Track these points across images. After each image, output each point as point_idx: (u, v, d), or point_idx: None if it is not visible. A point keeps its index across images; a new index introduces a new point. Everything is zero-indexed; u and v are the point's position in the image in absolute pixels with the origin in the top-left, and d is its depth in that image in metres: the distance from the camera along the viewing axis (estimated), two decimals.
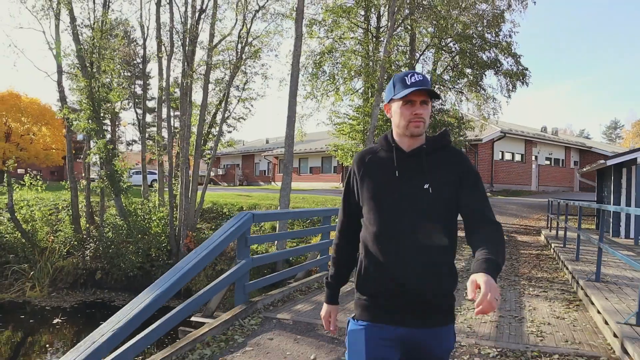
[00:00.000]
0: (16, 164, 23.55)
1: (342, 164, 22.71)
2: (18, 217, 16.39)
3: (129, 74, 30.89)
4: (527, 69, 19.51)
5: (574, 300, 6.53)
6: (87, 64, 15.78)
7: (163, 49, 16.42)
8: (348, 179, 2.13)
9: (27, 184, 17.75)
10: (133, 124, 41.62)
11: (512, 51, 19.34)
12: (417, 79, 1.89)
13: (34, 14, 15.59)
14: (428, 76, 19.64)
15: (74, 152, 38.86)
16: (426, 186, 1.88)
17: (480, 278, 1.54)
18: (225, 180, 42.49)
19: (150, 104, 37.06)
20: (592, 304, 5.62)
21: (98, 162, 16.69)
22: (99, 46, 15.84)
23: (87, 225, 17.12)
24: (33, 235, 16.21)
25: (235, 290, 5.58)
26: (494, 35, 19.36)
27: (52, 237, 16.67)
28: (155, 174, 23.31)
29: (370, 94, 17.26)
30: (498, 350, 4.37)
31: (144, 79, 20.52)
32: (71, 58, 16.47)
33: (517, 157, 29.88)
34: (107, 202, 17.69)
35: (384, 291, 1.91)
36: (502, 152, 28.66)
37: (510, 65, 19.64)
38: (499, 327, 5.06)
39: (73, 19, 15.51)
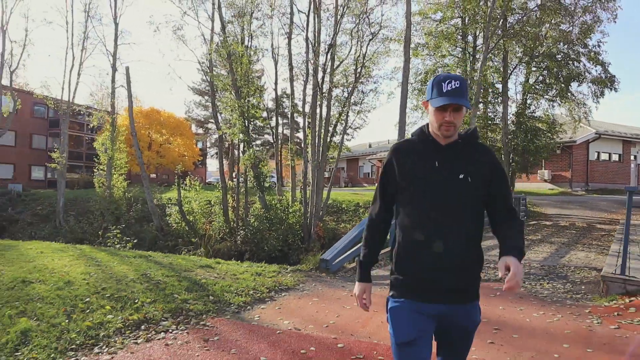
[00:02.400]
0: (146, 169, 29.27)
1: None
2: (184, 210, 21.55)
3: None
4: (614, 76, 21.94)
5: (605, 252, 9.90)
6: (239, 90, 20.56)
7: (300, 75, 20.88)
8: (385, 167, 2.32)
9: (188, 185, 22.97)
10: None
11: (601, 60, 21.92)
12: (453, 87, 2.09)
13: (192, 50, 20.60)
14: (519, 87, 22.68)
15: (200, 158, 44.97)
16: (461, 176, 2.13)
17: (510, 260, 1.94)
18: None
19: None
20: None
21: (249, 167, 21.32)
22: (247, 75, 20.57)
23: (234, 217, 21.89)
24: (194, 224, 21.19)
25: (390, 232, 9.81)
26: (582, 46, 22.03)
27: (208, 226, 21.62)
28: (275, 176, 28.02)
29: (473, 102, 20.57)
30: (539, 264, 8.08)
31: (276, 97, 25.18)
32: (227, 85, 21.36)
33: (615, 157, 31.35)
34: (251, 198, 22.39)
35: (422, 271, 2.14)
36: (598, 153, 30.41)
37: (599, 73, 22.19)
38: (545, 259, 8.77)
39: (229, 55, 20.35)
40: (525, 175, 22.77)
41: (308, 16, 20.04)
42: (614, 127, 33.32)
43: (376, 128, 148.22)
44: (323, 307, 6.20)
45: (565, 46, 21.38)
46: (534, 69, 21.87)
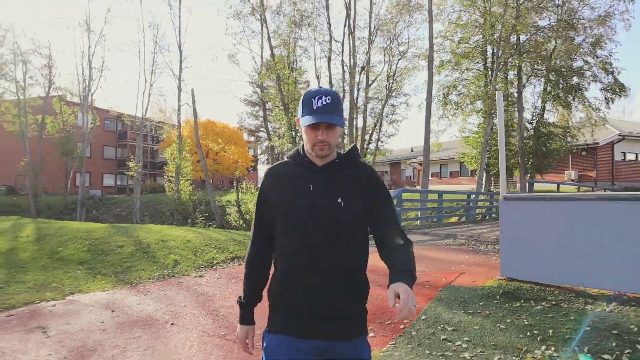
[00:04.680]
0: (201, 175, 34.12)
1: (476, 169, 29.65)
2: (242, 210, 26.03)
3: None
4: (623, 85, 25.01)
5: None
6: (286, 105, 24.86)
7: (339, 91, 25.03)
8: (260, 193, 2.14)
9: (244, 188, 27.48)
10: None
11: (611, 70, 25.06)
12: (324, 103, 1.92)
13: (246, 72, 25.08)
14: (531, 96, 25.94)
15: (252, 164, 49.60)
16: (339, 200, 1.95)
17: (399, 287, 1.66)
18: None
19: None
20: None
21: None
22: (293, 93, 24.84)
23: None
24: (250, 222, 25.58)
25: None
26: (593, 57, 25.22)
27: None
28: None
29: (487, 113, 24.16)
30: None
31: None
32: (276, 102, 25.71)
33: None
34: None
35: (299, 304, 1.95)
36: (624, 153, 33.02)
37: (609, 81, 25.31)
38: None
39: (278, 77, 24.68)
40: (540, 175, 26.03)
41: (343, 44, 24.20)
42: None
43: (420, 132, 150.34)
44: None
45: (574, 58, 24.57)
46: (541, 80, 25.26)
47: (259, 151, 55.75)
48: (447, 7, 24.52)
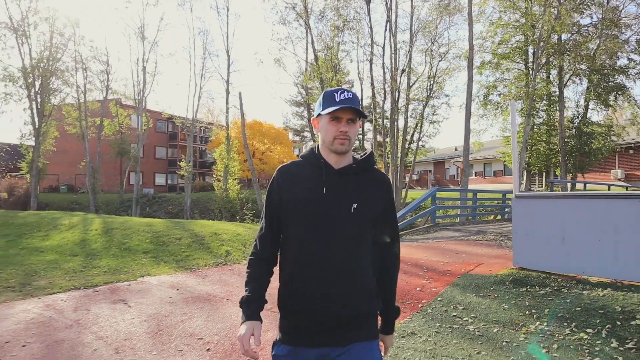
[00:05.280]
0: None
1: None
2: None
3: None
4: None
5: None
6: None
7: (381, 91, 25.96)
8: (270, 191, 2.10)
9: None
10: None
11: None
12: (346, 97, 1.94)
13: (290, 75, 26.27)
14: (578, 95, 26.06)
15: None
16: (354, 205, 1.94)
17: (387, 341, 2.19)
18: (419, 184, 51.40)
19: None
20: None
21: None
22: None
23: None
24: None
25: (432, 216, 14.51)
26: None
27: None
28: None
29: (526, 113, 24.55)
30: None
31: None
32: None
33: None
34: None
35: (310, 311, 1.92)
36: None
37: None
38: None
39: (321, 80, 25.77)
40: (582, 174, 26.19)
41: (383, 47, 25.07)
42: None
43: (463, 131, 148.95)
44: None
45: (618, 56, 24.64)
46: (583, 79, 25.46)
47: (303, 150, 57.12)
48: (487, 9, 25.06)
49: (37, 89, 29.25)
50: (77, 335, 4.96)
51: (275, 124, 50.53)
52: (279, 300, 2.05)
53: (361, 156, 2.09)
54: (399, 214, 14.06)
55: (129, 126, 35.90)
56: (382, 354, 1.97)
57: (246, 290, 2.05)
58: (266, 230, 2.09)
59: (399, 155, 25.13)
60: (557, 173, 27.11)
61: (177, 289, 7.11)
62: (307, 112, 29.06)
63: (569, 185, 23.95)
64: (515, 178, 7.59)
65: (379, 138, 35.64)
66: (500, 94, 26.10)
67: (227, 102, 31.19)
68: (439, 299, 6.46)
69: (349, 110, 1.94)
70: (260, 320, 1.98)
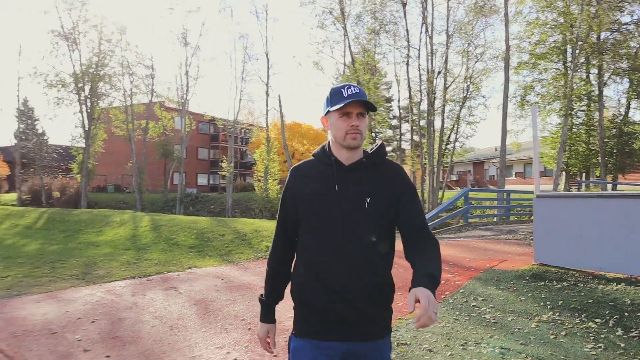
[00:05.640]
0: None
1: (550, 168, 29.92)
2: None
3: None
4: None
5: None
6: None
7: (418, 93, 26.38)
8: (283, 193, 2.14)
9: None
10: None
11: None
12: (353, 91, 1.95)
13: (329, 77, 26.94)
14: (619, 96, 25.91)
15: None
16: (367, 199, 1.95)
17: (420, 292, 1.64)
18: (458, 185, 51.30)
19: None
20: None
21: None
22: (375, 98, 26.42)
23: None
24: None
25: (464, 215, 14.93)
26: None
27: None
28: None
29: (564, 113, 24.50)
30: None
31: (399, 115, 30.85)
32: None
33: None
34: None
35: (324, 306, 1.94)
36: None
37: None
38: None
39: (358, 83, 26.35)
40: (622, 175, 25.95)
41: (419, 49, 25.45)
42: None
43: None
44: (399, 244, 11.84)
45: None
46: (624, 78, 25.25)
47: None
48: (524, 9, 25.13)
49: (86, 94, 30.82)
50: (136, 315, 5.73)
51: (314, 125, 51.32)
52: (293, 294, 2.09)
53: (371, 149, 2.09)
54: (431, 214, 14.54)
55: (173, 128, 37.19)
56: (414, 307, 1.66)
57: (264, 291, 2.22)
58: (281, 231, 2.15)
59: (436, 156, 25.48)
60: (597, 174, 26.95)
61: (222, 279, 7.85)
62: None
63: (609, 186, 23.84)
64: (536, 179, 8.02)
65: (417, 139, 36.03)
66: (537, 94, 26.13)
67: (266, 105, 32.15)
68: (460, 290, 6.99)
69: (358, 104, 1.95)
70: (275, 320, 2.21)
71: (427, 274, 1.79)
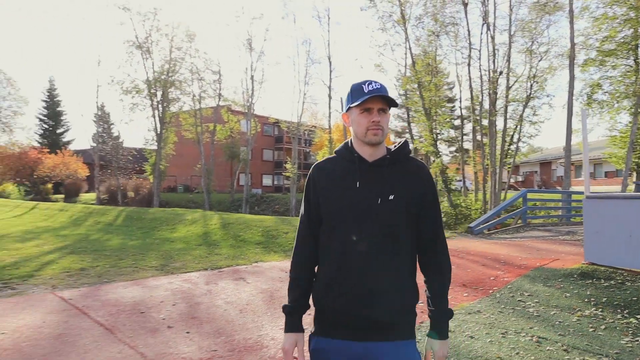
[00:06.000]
0: None
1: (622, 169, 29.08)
2: None
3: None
4: None
5: None
6: (427, 111, 26.75)
7: (475, 96, 26.39)
8: (307, 190, 2.10)
9: None
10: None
11: None
12: (375, 87, 1.93)
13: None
14: None
15: None
16: (391, 197, 1.92)
17: (434, 345, 1.99)
18: (524, 185, 50.28)
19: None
20: None
21: (437, 173, 27.31)
22: (434, 98, 26.64)
23: None
24: None
25: (522, 216, 15.06)
26: None
27: None
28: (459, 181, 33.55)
29: (634, 112, 23.84)
30: None
31: (461, 117, 30.87)
32: (417, 107, 27.75)
33: None
34: (441, 199, 28.32)
35: (344, 306, 1.91)
36: None
37: None
38: None
39: (419, 84, 26.66)
40: None
41: (480, 50, 25.44)
42: None
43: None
44: (457, 242, 12.15)
45: None
46: None
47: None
48: (591, 4, 24.63)
49: (158, 99, 32.66)
50: (210, 300, 6.52)
51: None
52: (314, 293, 2.04)
53: (395, 146, 2.06)
54: (488, 214, 14.76)
55: (239, 131, 38.59)
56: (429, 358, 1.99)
57: (289, 299, 2.08)
58: (304, 230, 2.09)
59: (498, 156, 25.40)
60: None
61: (285, 272, 8.57)
62: (407, 114, 29.93)
63: None
64: (585, 180, 8.26)
65: (479, 139, 35.71)
66: (605, 92, 25.53)
67: (329, 107, 32.93)
68: (508, 286, 7.38)
69: (380, 99, 1.93)
70: (303, 330, 2.04)
71: (440, 320, 2.02)
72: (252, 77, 34.30)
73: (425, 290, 2.04)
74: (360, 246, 1.89)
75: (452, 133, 40.19)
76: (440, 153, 27.64)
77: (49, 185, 42.65)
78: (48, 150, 44.81)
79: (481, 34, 25.98)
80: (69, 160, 43.02)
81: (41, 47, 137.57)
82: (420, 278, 2.00)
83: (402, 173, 1.99)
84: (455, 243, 12.20)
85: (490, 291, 7.17)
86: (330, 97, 32.70)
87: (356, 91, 1.96)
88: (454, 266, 9.07)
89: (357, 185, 1.94)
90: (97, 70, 70.49)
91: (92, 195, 40.51)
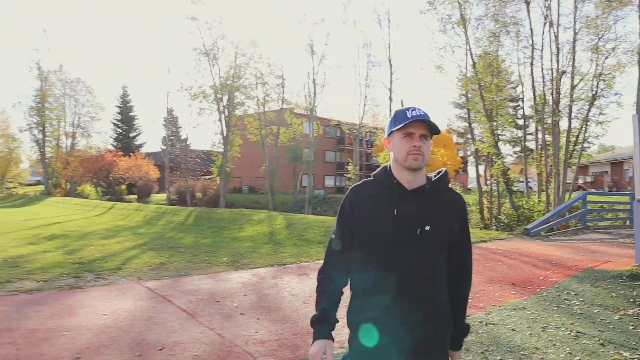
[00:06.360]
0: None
1: None
2: None
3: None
4: None
5: None
6: (489, 112, 26.69)
7: (538, 96, 26.16)
8: (342, 209, 2.12)
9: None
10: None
11: None
12: (418, 113, 1.95)
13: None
14: None
15: (461, 166, 51.43)
16: (427, 227, 1.92)
17: (454, 358, 2.17)
18: (593, 186, 48.69)
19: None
20: None
21: (499, 174, 27.19)
22: (495, 99, 26.57)
23: (489, 215, 27.91)
24: None
25: (582, 218, 15.05)
26: None
27: None
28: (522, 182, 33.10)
29: None
30: None
31: (524, 117, 30.56)
32: (478, 108, 27.72)
33: None
34: (503, 200, 28.18)
35: (380, 330, 1.91)
36: None
37: None
38: None
39: (479, 86, 26.66)
40: None
41: (542, 49, 25.20)
42: None
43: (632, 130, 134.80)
44: (512, 244, 12.40)
45: None
46: None
47: (468, 152, 57.42)
48: None
49: (224, 103, 34.07)
50: (277, 292, 7.28)
51: (439, 126, 51.55)
52: (348, 316, 2.06)
53: (435, 175, 2.08)
54: (546, 215, 14.84)
55: (302, 133, 39.55)
56: None
57: (317, 311, 2.07)
58: (336, 249, 2.10)
59: (562, 157, 25.06)
60: None
61: None
62: (468, 115, 29.95)
63: None
64: (637, 184, 8.45)
65: (542, 138, 35.08)
66: None
67: (389, 109, 33.32)
68: (555, 286, 7.73)
69: (422, 124, 1.95)
70: (332, 339, 2.01)
71: (461, 333, 2.17)
72: (314, 80, 35.21)
73: (455, 322, 2.14)
74: (395, 273, 1.91)
75: (516, 133, 39.60)
76: (502, 154, 27.54)
77: (123, 187, 45.39)
78: (122, 153, 47.70)
79: (543, 33, 25.56)
80: (141, 162, 45.63)
81: (116, 57, 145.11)
82: None
83: (441, 204, 2.01)
84: (509, 245, 12.48)
85: (538, 290, 7.54)
86: (390, 100, 33.17)
87: (399, 116, 1.99)
88: (505, 266, 9.47)
89: (395, 213, 1.95)
90: (167, 77, 73.89)
91: (162, 196, 42.70)
